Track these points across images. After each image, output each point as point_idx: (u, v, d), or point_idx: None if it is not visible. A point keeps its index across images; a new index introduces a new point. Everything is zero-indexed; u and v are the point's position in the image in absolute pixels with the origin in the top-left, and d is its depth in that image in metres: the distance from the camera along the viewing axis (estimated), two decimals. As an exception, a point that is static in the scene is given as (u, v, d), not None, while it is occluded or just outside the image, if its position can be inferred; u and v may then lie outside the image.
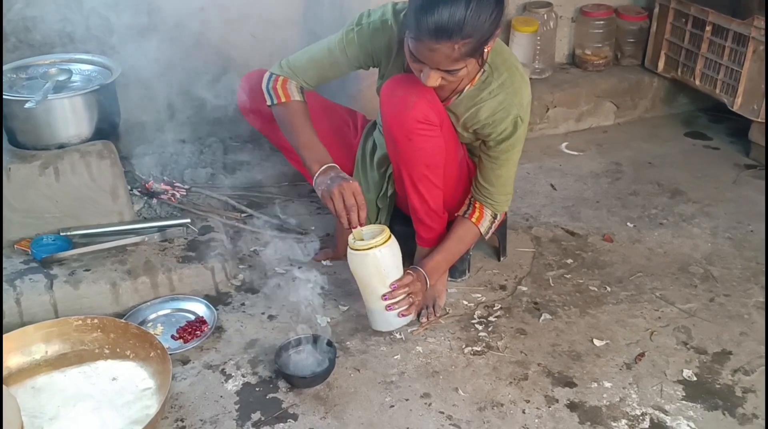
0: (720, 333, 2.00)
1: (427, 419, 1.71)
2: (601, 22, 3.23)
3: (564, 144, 3.08)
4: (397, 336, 1.96)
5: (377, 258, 1.81)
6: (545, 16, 3.11)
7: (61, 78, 2.11)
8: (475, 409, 1.74)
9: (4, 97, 1.98)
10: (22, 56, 2.28)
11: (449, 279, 2.15)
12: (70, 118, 2.04)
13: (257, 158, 2.66)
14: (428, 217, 1.98)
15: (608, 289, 2.17)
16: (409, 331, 1.97)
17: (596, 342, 1.96)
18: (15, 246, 2.05)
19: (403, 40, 1.71)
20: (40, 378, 1.77)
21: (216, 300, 2.07)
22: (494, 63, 1.83)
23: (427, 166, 1.87)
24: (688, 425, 1.70)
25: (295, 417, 1.71)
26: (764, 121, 2.80)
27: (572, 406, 1.75)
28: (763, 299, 2.12)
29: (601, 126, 3.24)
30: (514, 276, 2.23)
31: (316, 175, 1.86)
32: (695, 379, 1.84)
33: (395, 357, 1.89)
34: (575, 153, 3.02)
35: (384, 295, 1.85)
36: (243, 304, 2.07)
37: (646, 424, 1.71)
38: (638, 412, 1.74)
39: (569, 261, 2.30)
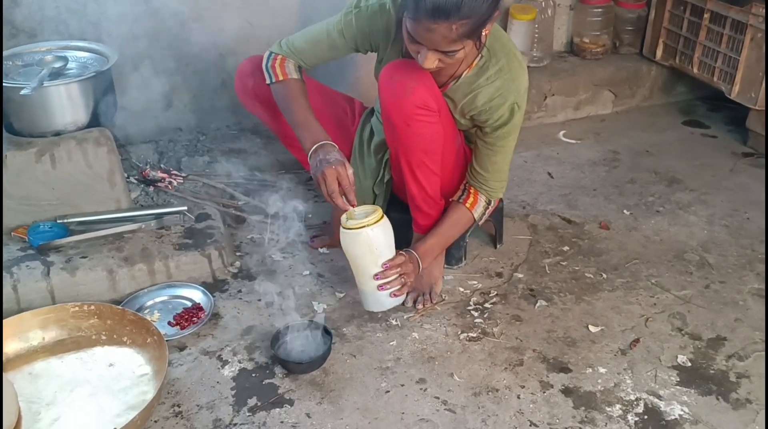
0: (715, 319, 2.01)
1: (422, 404, 1.72)
2: (600, 10, 3.22)
3: (562, 132, 3.08)
4: (393, 322, 1.96)
5: (369, 237, 1.80)
6: (543, 3, 3.11)
7: (57, 65, 2.10)
8: (470, 394, 1.75)
9: (-1, 84, 1.97)
10: (18, 44, 2.28)
11: (445, 266, 2.15)
12: (66, 105, 2.03)
13: (255, 146, 2.67)
14: (425, 204, 1.98)
15: (604, 276, 2.18)
16: (405, 317, 1.98)
17: (591, 328, 1.96)
18: (12, 233, 2.05)
19: (401, 24, 1.71)
20: (37, 364, 1.77)
21: (213, 287, 2.08)
22: (492, 48, 1.82)
23: (425, 153, 1.87)
24: (682, 410, 1.71)
25: (291, 402, 1.72)
26: (762, 108, 2.80)
27: (567, 392, 1.76)
28: (758, 286, 2.13)
29: (599, 114, 3.24)
30: (510, 263, 2.23)
31: (309, 154, 1.86)
32: (689, 364, 1.85)
33: (391, 343, 1.90)
34: (573, 141, 3.02)
35: (376, 275, 1.84)
36: (240, 291, 2.07)
37: (641, 408, 1.72)
38: (633, 397, 1.75)
39: (566, 248, 2.30)
